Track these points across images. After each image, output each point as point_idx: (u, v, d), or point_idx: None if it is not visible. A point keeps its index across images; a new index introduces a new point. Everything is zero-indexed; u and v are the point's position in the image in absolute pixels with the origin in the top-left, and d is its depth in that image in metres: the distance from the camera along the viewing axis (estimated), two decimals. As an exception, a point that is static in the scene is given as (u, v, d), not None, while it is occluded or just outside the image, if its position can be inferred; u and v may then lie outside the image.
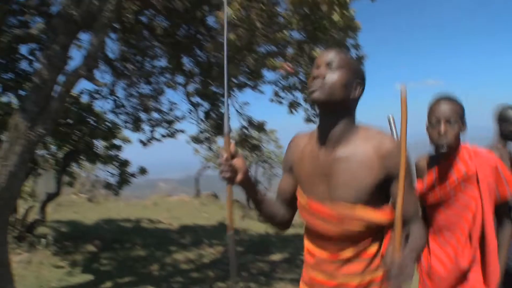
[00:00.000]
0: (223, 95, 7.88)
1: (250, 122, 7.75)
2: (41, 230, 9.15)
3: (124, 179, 9.42)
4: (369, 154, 1.59)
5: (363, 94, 1.69)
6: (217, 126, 8.15)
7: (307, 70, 5.04)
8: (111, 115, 9.58)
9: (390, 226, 1.67)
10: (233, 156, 1.60)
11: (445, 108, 2.09)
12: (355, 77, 1.64)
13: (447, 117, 2.07)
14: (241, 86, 7.31)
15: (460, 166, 2.13)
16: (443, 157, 2.19)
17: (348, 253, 1.65)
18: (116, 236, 9.35)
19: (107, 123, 9.50)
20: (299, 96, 6.16)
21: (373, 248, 1.67)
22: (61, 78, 5.17)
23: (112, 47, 7.97)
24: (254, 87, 5.86)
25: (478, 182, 2.11)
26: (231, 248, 1.75)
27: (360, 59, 5.24)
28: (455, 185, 2.15)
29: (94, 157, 9.39)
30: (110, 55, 7.95)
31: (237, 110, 7.61)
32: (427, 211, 2.30)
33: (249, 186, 1.67)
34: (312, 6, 3.73)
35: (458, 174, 2.14)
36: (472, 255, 2.12)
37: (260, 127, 7.68)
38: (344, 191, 1.60)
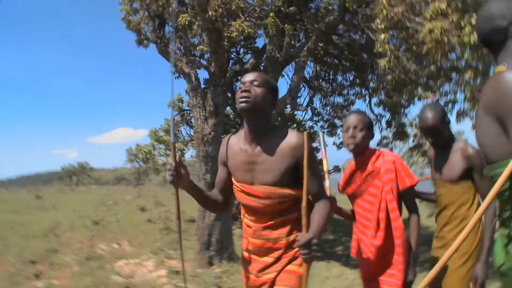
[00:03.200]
0: (403, 106, 9.26)
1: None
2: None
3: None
4: (283, 146, 2.12)
5: (276, 105, 2.29)
6: (397, 132, 9.61)
7: (465, 89, 6.20)
8: (309, 122, 11.91)
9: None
10: (179, 164, 2.04)
11: (353, 118, 2.64)
12: (271, 93, 2.18)
13: (355, 125, 2.60)
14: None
15: (368, 165, 2.65)
16: (355, 158, 2.72)
17: (275, 221, 2.18)
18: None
19: (307, 129, 11.76)
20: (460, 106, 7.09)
21: (293, 216, 2.20)
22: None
23: (307, 69, 10.00)
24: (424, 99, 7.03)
25: (381, 176, 2.60)
26: (179, 236, 2.23)
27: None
28: (364, 180, 2.67)
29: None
30: (306, 75, 10.04)
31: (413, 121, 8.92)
32: (351, 203, 2.85)
33: (191, 190, 2.18)
34: (445, 50, 5.03)
35: (366, 171, 2.65)
36: (383, 237, 2.57)
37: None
38: (265, 176, 2.13)
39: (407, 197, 2.67)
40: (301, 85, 10.08)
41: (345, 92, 10.70)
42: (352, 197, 2.81)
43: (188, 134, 11.72)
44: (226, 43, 7.50)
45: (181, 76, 8.08)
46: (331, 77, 10.71)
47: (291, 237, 2.19)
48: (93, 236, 9.43)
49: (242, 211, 2.36)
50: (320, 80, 10.81)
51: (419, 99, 6.37)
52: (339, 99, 11.03)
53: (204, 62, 8.32)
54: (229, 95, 9.89)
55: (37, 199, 16.35)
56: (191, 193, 2.21)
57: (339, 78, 10.63)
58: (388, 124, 9.77)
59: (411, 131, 10.17)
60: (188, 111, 10.88)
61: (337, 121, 11.47)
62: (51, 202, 15.36)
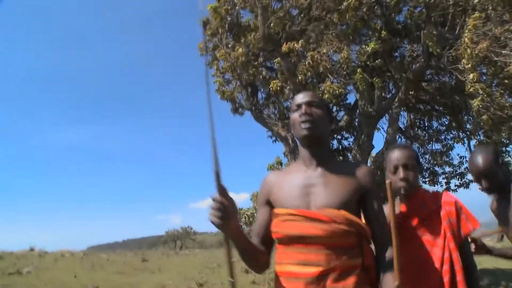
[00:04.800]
0: (504, 144, 8.95)
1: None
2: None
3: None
4: (349, 170, 1.86)
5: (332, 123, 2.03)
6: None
7: None
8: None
9: (367, 239, 1.80)
10: (226, 198, 1.54)
11: (400, 155, 2.27)
12: (328, 113, 1.97)
13: (404, 163, 2.23)
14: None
15: (422, 207, 2.27)
16: (406, 201, 2.31)
17: (336, 263, 1.67)
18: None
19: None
20: None
21: (358, 261, 1.72)
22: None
23: (401, 119, 10.06)
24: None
25: (441, 220, 2.21)
26: None
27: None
28: (419, 226, 2.25)
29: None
30: (401, 125, 10.11)
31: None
32: None
33: (239, 236, 1.67)
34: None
35: (422, 215, 2.25)
36: None
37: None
38: (328, 198, 1.76)
39: (465, 250, 2.24)
40: (397, 136, 10.14)
41: (442, 137, 10.58)
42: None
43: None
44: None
45: (278, 139, 8.52)
46: (426, 124, 10.67)
47: None
48: (199, 298, 9.69)
49: (284, 257, 1.80)
50: (416, 129, 10.78)
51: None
52: (437, 146, 10.90)
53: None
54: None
55: (143, 262, 17.28)
56: (238, 239, 1.69)
57: (435, 124, 10.58)
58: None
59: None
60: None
61: (437, 169, 11.29)
62: (156, 265, 16.03)
